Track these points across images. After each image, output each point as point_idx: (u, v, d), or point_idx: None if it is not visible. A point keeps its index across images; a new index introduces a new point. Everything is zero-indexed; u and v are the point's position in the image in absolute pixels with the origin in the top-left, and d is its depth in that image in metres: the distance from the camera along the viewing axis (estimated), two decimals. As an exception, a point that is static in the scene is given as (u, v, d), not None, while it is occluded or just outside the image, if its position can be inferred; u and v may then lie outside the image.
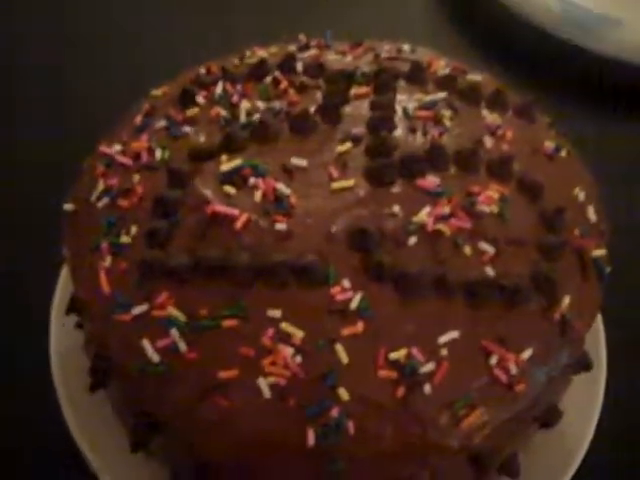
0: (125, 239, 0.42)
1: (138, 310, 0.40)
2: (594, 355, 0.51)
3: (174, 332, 0.39)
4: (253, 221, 0.41)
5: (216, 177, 0.42)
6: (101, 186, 0.44)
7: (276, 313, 0.39)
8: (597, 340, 0.52)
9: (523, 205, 0.43)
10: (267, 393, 0.38)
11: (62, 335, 0.50)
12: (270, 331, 0.38)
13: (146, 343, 0.39)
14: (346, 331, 0.38)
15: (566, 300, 0.41)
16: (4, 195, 0.64)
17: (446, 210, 0.42)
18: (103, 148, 0.46)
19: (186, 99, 0.47)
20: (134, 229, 0.42)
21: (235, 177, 0.42)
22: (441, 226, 0.41)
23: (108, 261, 0.42)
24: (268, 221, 0.41)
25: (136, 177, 0.44)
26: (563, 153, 0.47)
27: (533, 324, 0.40)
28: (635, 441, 0.52)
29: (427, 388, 0.38)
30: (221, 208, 0.41)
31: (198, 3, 0.81)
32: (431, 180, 0.42)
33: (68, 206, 0.45)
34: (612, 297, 0.54)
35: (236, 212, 0.41)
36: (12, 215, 0.62)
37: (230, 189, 0.42)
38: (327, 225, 0.41)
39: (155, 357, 0.39)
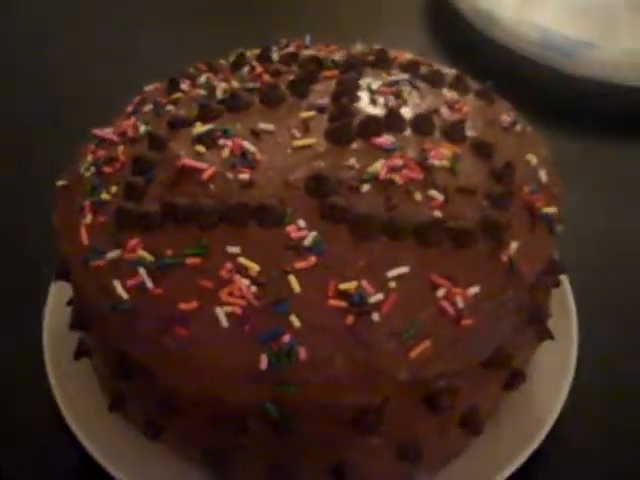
0: (105, 196, 0.43)
1: (111, 255, 0.41)
2: (565, 328, 0.51)
3: (142, 271, 0.39)
4: (219, 173, 0.42)
5: (189, 139, 0.44)
6: (89, 159, 0.46)
7: (235, 249, 0.39)
8: (568, 312, 0.51)
9: (474, 162, 0.43)
10: (224, 321, 0.38)
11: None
12: (228, 265, 0.39)
13: (117, 283, 0.40)
14: (299, 264, 0.39)
15: (513, 245, 0.41)
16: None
17: (399, 162, 0.42)
18: (95, 131, 0.48)
19: (172, 87, 0.49)
20: (114, 188, 0.43)
21: (206, 139, 0.43)
22: (393, 176, 0.41)
23: (89, 218, 0.43)
24: (233, 173, 0.42)
25: (120, 148, 0.45)
26: (519, 127, 0.48)
27: (480, 264, 0.40)
28: (606, 413, 0.51)
29: (375, 316, 0.38)
30: (190, 162, 0.42)
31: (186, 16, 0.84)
32: (387, 138, 0.43)
33: (60, 182, 0.47)
34: (584, 277, 0.54)
35: (204, 165, 0.42)
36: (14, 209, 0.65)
37: (201, 148, 0.43)
38: (287, 175, 0.42)
39: (124, 295, 0.39)
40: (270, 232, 0.40)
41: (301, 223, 0.40)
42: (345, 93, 0.46)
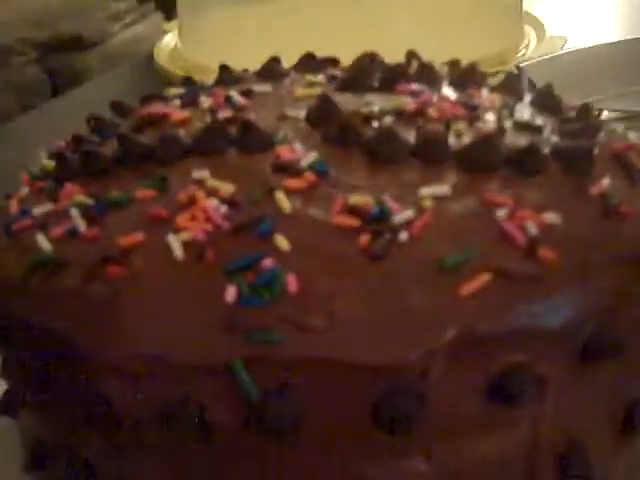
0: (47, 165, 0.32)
1: (40, 210, 0.29)
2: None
3: (74, 214, 0.28)
4: (193, 118, 0.31)
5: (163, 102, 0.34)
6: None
7: (202, 173, 0.28)
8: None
9: (537, 111, 0.32)
10: (178, 251, 0.25)
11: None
12: (191, 188, 0.27)
13: (40, 236, 0.28)
14: (292, 182, 0.27)
15: (605, 180, 0.28)
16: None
17: (433, 98, 0.31)
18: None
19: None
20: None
21: (185, 98, 0.34)
22: (427, 109, 0.31)
23: (25, 190, 0.32)
24: (210, 117, 0.31)
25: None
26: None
27: (558, 190, 0.27)
28: None
29: (404, 236, 0.25)
30: (158, 108, 0.32)
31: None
32: (416, 86, 0.33)
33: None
34: None
35: (175, 111, 0.32)
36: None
37: (176, 102, 0.33)
38: (282, 110, 0.31)
39: (47, 246, 0.27)
40: (253, 157, 0.28)
41: (297, 146, 0.28)
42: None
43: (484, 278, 0.24)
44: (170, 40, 0.80)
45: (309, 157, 0.28)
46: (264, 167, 0.28)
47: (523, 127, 0.30)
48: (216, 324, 0.24)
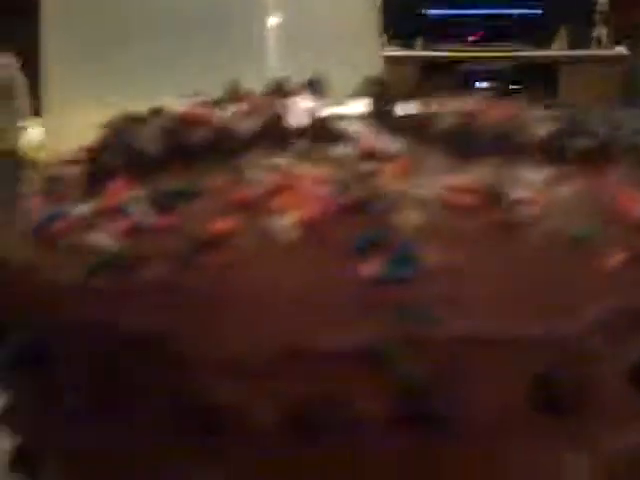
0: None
1: (81, 210, 0.25)
2: None
3: (135, 208, 0.24)
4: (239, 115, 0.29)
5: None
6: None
7: (283, 161, 0.25)
8: None
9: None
10: (286, 233, 0.22)
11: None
12: (278, 173, 0.24)
13: (96, 235, 0.24)
14: (389, 167, 0.25)
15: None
16: None
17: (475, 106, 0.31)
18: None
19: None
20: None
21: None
22: (478, 115, 0.30)
23: (38, 198, 0.28)
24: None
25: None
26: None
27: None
28: None
29: (528, 211, 0.23)
30: (194, 110, 0.29)
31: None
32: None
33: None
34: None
35: (215, 112, 0.29)
36: None
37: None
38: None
39: (109, 243, 0.23)
40: (329, 147, 0.26)
41: (373, 137, 0.27)
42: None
43: (620, 255, 0.23)
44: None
45: (395, 145, 0.26)
46: (349, 154, 0.25)
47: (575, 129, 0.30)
48: (356, 303, 0.21)
